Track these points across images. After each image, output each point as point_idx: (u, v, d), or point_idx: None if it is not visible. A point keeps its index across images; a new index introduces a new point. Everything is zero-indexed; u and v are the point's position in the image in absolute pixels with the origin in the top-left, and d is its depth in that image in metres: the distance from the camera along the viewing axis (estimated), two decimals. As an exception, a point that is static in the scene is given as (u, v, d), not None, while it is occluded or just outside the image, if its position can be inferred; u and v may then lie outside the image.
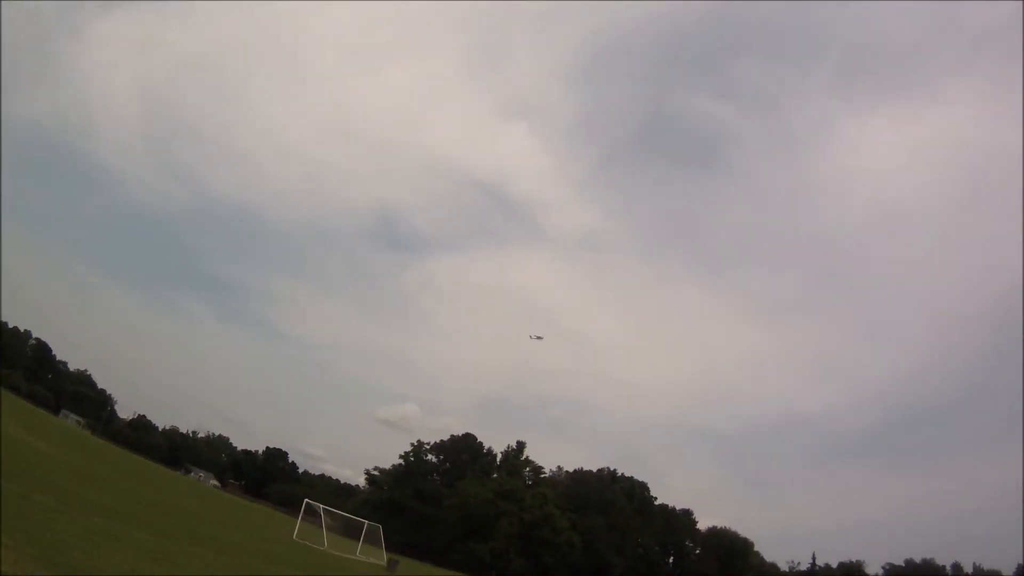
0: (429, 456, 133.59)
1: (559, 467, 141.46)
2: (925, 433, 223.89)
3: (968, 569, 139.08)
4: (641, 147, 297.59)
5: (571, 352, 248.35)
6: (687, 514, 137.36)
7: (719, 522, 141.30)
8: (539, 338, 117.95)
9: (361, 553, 54.51)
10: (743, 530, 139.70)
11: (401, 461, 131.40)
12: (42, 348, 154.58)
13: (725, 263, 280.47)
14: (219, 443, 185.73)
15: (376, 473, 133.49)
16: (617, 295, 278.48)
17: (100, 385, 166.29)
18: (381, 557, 56.22)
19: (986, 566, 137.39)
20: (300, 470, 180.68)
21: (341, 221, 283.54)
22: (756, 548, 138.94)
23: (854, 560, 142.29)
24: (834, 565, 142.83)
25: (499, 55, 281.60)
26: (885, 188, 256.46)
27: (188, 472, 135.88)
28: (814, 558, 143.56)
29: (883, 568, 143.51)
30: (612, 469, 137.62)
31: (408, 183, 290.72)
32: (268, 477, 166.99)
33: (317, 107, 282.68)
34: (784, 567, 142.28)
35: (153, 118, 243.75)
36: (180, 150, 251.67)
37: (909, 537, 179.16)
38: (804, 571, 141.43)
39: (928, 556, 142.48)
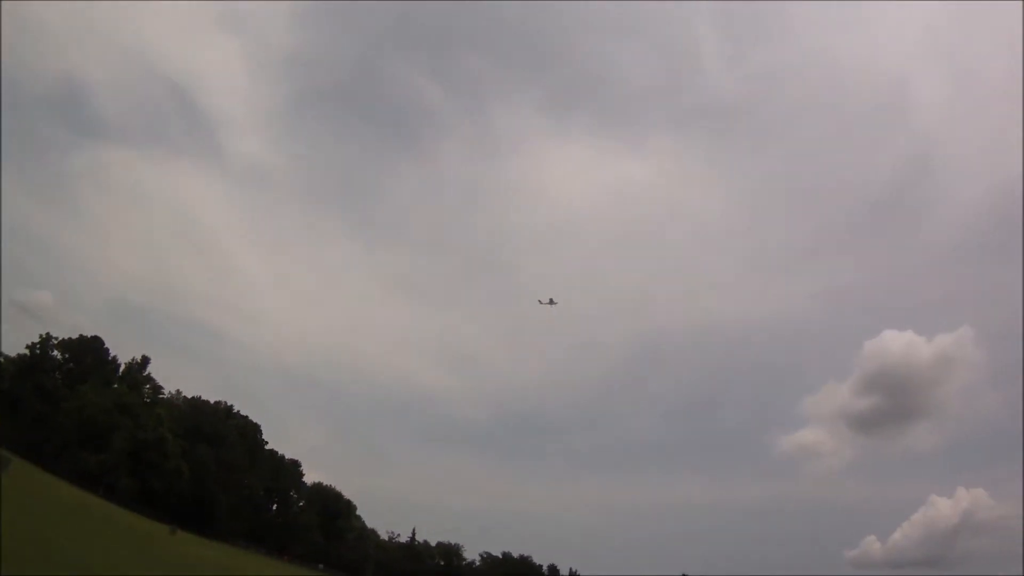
0: (55, 352, 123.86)
1: (179, 391, 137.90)
2: (538, 441, 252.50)
3: (564, 572, 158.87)
4: (342, 100, 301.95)
5: (217, 280, 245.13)
6: (295, 465, 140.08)
7: (326, 479, 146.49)
8: (552, 302, 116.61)
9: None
10: (348, 492, 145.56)
11: (27, 351, 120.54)
12: None
13: (385, 235, 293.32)
14: None
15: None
16: (276, 236, 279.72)
17: None
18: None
19: (582, 572, 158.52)
20: None
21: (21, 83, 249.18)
22: (358, 512, 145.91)
23: (453, 543, 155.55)
24: (433, 543, 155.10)
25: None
26: (558, 210, 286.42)
27: None
28: (414, 532, 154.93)
29: (480, 555, 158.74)
30: (229, 405, 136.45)
31: (102, 60, 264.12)
32: None
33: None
34: (384, 535, 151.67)
35: None
36: None
37: (507, 532, 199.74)
38: (404, 543, 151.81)
39: (526, 553, 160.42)
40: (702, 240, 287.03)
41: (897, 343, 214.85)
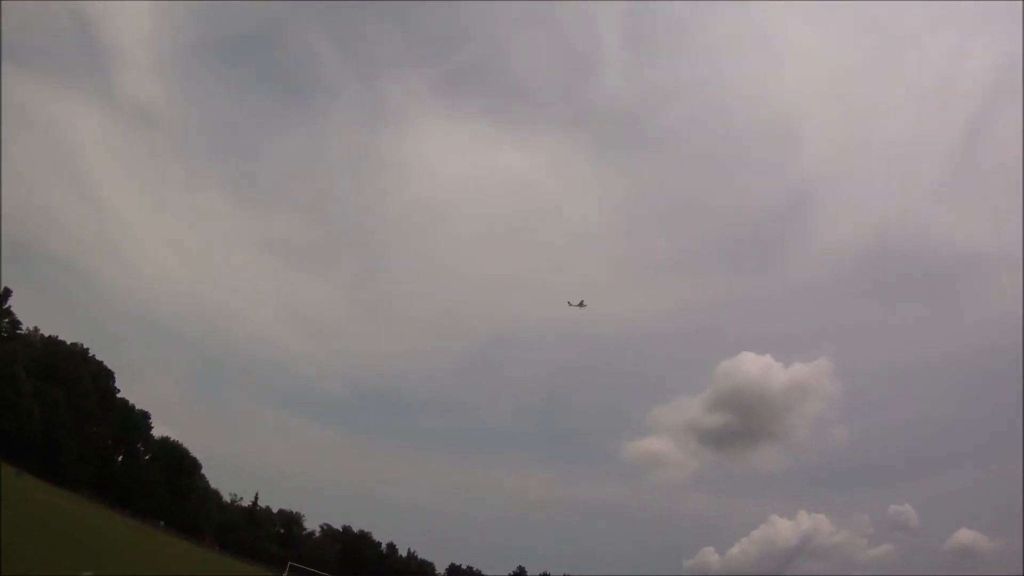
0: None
1: (37, 328, 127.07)
2: (389, 419, 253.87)
3: (403, 552, 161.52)
4: (240, 54, 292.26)
5: (91, 219, 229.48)
6: (145, 417, 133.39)
7: (174, 435, 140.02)
8: (581, 304, 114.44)
9: None
10: (194, 450, 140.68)
11: None
12: None
13: (263, 194, 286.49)
14: None
15: None
16: (157, 182, 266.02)
17: None
18: None
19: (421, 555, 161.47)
20: None
21: None
22: (203, 471, 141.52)
23: (295, 511, 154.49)
24: (275, 510, 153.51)
25: None
26: (438, 192, 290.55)
27: None
28: (257, 497, 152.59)
29: (320, 527, 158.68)
30: (86, 348, 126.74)
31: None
32: None
33: None
34: (227, 497, 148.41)
35: None
36: None
37: (350, 507, 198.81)
38: (246, 507, 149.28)
39: (367, 529, 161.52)
40: (574, 241, 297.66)
41: (754, 365, 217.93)
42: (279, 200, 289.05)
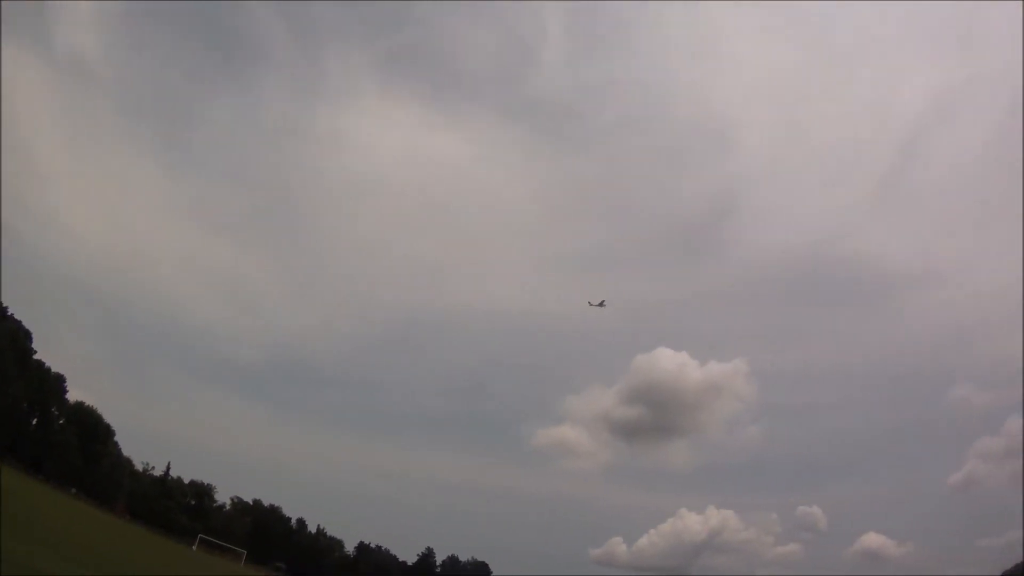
0: None
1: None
2: (306, 393, 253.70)
3: (312, 528, 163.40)
4: (184, 15, 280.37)
5: (17, 173, 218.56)
6: (60, 380, 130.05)
7: (88, 399, 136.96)
8: (601, 304, 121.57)
9: None
10: (108, 416, 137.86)
11: None
12: None
13: (192, 157, 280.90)
14: None
15: None
16: (87, 139, 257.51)
17: None
18: None
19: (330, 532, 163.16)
20: None
21: None
22: (116, 438, 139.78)
23: (206, 483, 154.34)
24: (187, 480, 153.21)
25: None
26: (368, 169, 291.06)
27: None
28: (168, 467, 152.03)
29: (231, 499, 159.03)
30: (4, 306, 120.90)
31: None
32: None
33: None
34: (139, 466, 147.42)
35: None
36: None
37: (261, 480, 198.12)
38: (157, 477, 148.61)
39: (278, 504, 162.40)
40: (502, 229, 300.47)
41: (670, 361, 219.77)
42: (209, 166, 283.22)
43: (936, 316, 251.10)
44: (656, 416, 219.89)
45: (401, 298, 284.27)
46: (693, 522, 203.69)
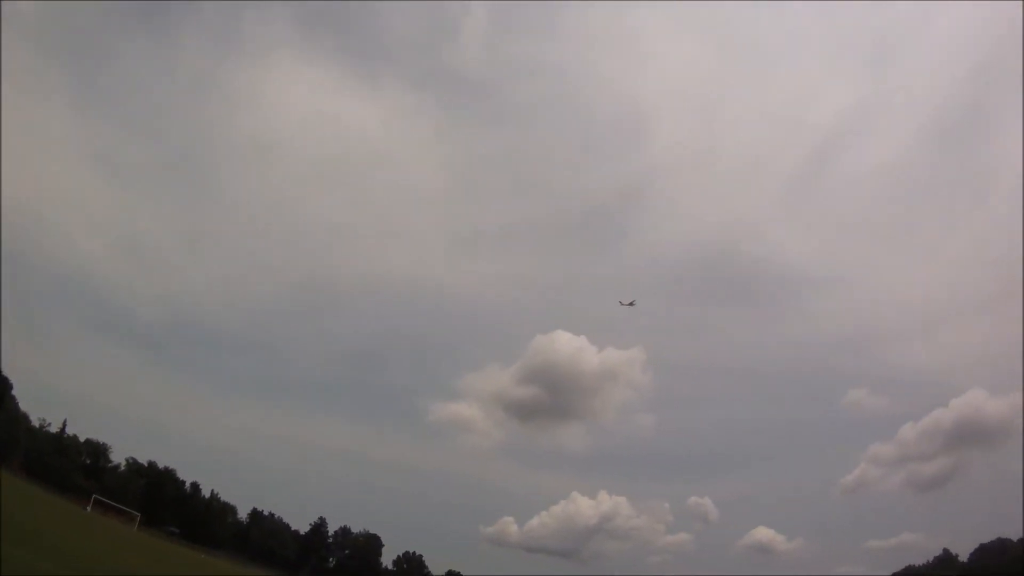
0: None
1: None
2: (204, 354, 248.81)
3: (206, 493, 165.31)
4: None
5: None
6: None
7: None
8: (632, 304, 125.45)
9: None
10: (4, 369, 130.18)
11: None
12: None
13: (101, 103, 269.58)
14: None
15: None
16: None
17: None
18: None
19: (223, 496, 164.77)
20: None
21: None
22: (14, 392, 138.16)
23: (102, 442, 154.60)
24: (83, 439, 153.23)
25: None
26: (277, 128, 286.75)
27: None
28: (65, 424, 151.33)
29: (126, 460, 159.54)
30: None
31: None
32: None
33: None
34: (35, 422, 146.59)
35: None
36: None
37: (157, 441, 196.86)
38: (53, 434, 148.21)
39: (172, 466, 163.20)
40: (410, 199, 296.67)
41: (568, 345, 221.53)
42: (116, 113, 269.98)
43: (837, 320, 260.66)
44: (552, 398, 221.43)
45: (305, 262, 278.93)
46: (585, 506, 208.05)
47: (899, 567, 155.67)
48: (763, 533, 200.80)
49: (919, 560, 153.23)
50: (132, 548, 63.93)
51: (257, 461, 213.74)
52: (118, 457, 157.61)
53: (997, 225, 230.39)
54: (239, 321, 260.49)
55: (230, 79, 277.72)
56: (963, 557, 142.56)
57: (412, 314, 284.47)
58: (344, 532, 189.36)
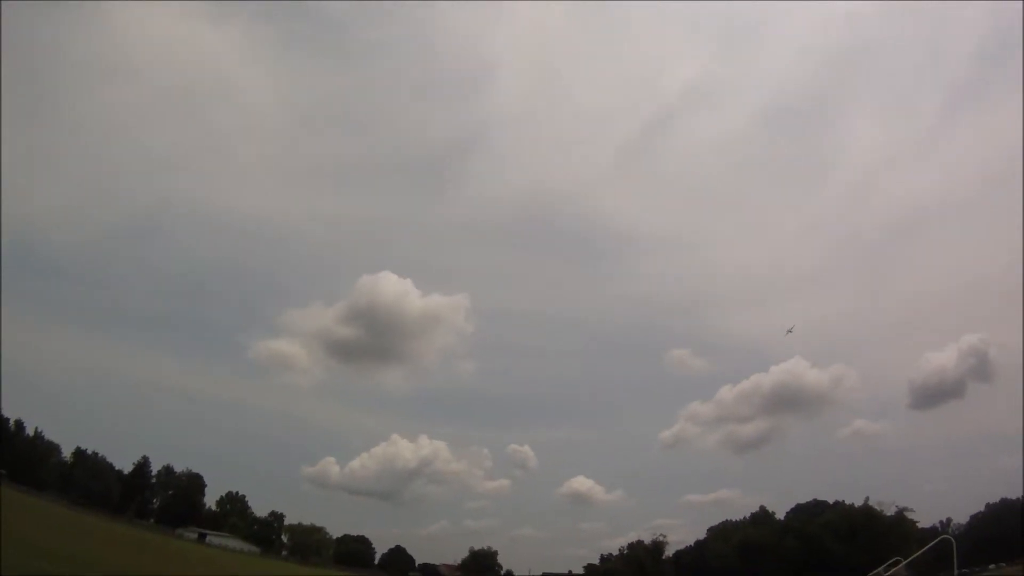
0: None
1: None
2: (27, 282, 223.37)
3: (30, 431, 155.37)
4: None
5: None
6: None
7: None
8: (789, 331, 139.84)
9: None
10: None
11: None
12: None
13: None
14: None
15: None
16: None
17: None
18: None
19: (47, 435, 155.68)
20: None
21: None
22: None
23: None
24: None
25: None
26: (120, 49, 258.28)
27: None
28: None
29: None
30: None
31: None
32: None
33: None
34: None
35: None
36: None
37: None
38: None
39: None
40: (247, 131, 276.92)
41: (393, 287, 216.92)
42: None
43: (668, 283, 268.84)
44: (374, 339, 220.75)
45: (140, 189, 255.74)
46: (405, 449, 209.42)
47: (716, 521, 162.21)
48: (582, 483, 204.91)
49: (736, 516, 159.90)
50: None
51: (82, 397, 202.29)
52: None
53: (829, 210, 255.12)
54: (71, 249, 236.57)
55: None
56: (780, 515, 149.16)
57: (242, 249, 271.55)
58: (168, 471, 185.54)
